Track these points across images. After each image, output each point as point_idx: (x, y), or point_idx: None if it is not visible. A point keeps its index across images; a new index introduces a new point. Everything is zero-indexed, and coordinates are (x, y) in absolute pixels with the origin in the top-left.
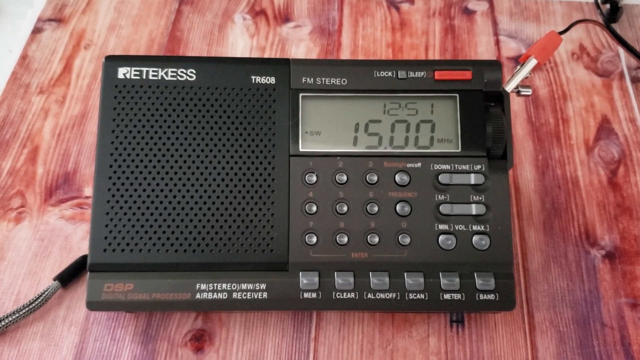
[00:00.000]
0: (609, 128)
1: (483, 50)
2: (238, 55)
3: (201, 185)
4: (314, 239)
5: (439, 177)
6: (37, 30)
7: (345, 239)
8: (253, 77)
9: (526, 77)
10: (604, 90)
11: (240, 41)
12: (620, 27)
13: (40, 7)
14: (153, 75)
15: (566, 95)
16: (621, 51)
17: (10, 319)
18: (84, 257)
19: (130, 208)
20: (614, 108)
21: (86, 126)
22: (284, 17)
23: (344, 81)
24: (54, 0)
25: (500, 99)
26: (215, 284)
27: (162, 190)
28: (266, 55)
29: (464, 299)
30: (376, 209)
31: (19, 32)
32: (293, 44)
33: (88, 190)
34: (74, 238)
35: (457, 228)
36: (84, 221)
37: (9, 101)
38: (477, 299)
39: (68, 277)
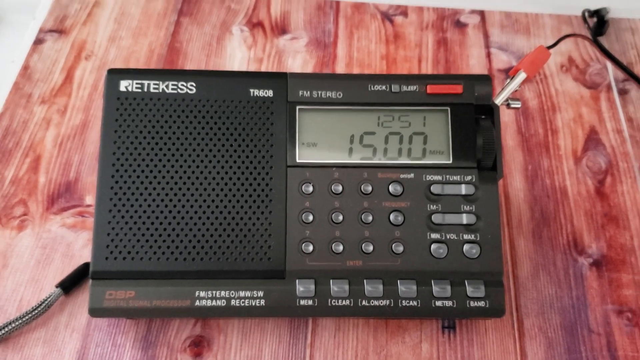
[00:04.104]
0: (596, 139)
1: (475, 62)
2: (236, 66)
3: (201, 195)
4: (310, 248)
5: (431, 187)
6: (38, 41)
7: (341, 248)
8: (251, 90)
9: (516, 90)
10: (592, 102)
11: (238, 52)
12: (608, 40)
13: (42, 18)
14: (154, 88)
15: (555, 107)
16: (608, 64)
17: (13, 325)
18: (86, 265)
19: (131, 217)
20: (602, 119)
21: (87, 135)
22: (281, 29)
23: (339, 94)
24: (55, 11)
25: (490, 111)
26: (214, 292)
27: (162, 200)
28: (263, 67)
29: (455, 305)
30: (370, 218)
31: (21, 42)
32: (290, 56)
33: (89, 199)
34: (76, 246)
35: (448, 237)
36: (86, 229)
37: (12, 111)
38: (467, 305)
39: (70, 284)
